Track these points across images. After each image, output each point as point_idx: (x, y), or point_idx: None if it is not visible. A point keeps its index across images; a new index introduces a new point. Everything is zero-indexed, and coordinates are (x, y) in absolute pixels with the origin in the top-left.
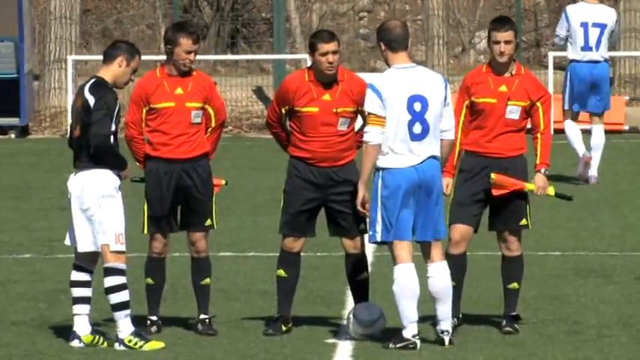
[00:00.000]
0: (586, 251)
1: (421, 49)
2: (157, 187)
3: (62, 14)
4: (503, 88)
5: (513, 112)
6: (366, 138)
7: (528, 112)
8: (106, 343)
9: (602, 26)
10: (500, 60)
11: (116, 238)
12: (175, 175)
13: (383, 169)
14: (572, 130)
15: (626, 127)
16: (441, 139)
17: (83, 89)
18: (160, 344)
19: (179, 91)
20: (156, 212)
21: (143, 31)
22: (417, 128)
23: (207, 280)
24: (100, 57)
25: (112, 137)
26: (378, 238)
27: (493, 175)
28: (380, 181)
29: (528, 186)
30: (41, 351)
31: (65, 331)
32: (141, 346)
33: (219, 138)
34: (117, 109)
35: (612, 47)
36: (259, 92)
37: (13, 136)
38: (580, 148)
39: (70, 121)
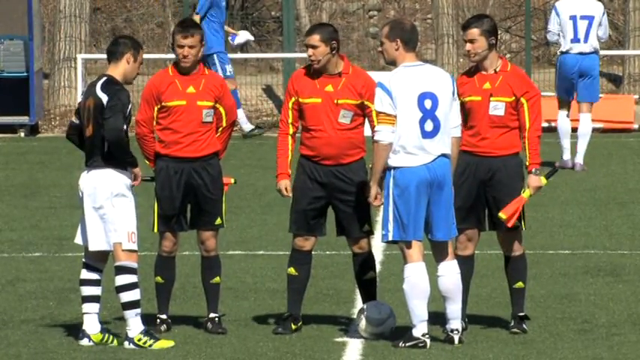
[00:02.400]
0: (596, 250)
1: (431, 48)
2: (167, 185)
3: (72, 13)
4: (487, 85)
5: (497, 108)
6: (377, 137)
7: (515, 109)
8: (115, 342)
9: (590, 18)
10: (470, 59)
11: (129, 236)
12: (185, 174)
13: (394, 168)
14: (564, 125)
15: (636, 126)
16: None
17: (94, 88)
18: (170, 343)
19: (191, 89)
20: (166, 211)
21: (153, 30)
22: (429, 126)
23: (217, 279)
24: None
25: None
26: (390, 237)
27: (502, 215)
28: (391, 180)
29: (525, 196)
30: (50, 349)
31: (74, 330)
32: (150, 345)
33: (230, 137)
34: (129, 108)
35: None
36: (269, 91)
37: (22, 134)
38: (565, 146)
39: (75, 120)
